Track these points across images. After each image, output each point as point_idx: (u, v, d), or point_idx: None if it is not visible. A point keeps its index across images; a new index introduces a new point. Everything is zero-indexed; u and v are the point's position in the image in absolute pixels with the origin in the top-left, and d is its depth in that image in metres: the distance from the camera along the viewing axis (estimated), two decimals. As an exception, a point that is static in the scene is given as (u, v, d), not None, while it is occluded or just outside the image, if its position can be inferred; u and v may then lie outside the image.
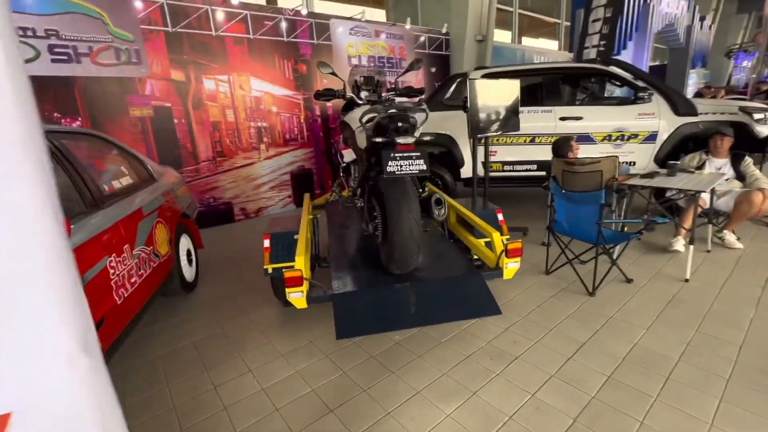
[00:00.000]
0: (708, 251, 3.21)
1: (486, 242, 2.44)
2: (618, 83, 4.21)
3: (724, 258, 3.08)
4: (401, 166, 1.83)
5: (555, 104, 4.21)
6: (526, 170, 4.40)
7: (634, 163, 4.16)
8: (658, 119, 3.99)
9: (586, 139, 4.16)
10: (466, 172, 4.52)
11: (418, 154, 1.86)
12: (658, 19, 8.67)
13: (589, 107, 4.22)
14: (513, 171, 4.44)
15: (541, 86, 4.32)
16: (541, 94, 4.34)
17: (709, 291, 2.57)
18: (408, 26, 6.59)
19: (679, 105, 3.92)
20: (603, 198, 2.40)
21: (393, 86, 2.98)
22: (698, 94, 7.46)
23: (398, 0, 8.82)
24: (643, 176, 3.09)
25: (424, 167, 1.86)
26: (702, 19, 11.54)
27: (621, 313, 2.37)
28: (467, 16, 7.68)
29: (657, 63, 12.50)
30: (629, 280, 2.76)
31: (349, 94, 2.84)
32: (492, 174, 4.49)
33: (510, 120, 3.81)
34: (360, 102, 2.72)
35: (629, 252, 3.25)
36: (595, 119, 4.13)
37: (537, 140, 4.27)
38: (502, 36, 11.77)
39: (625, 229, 3.09)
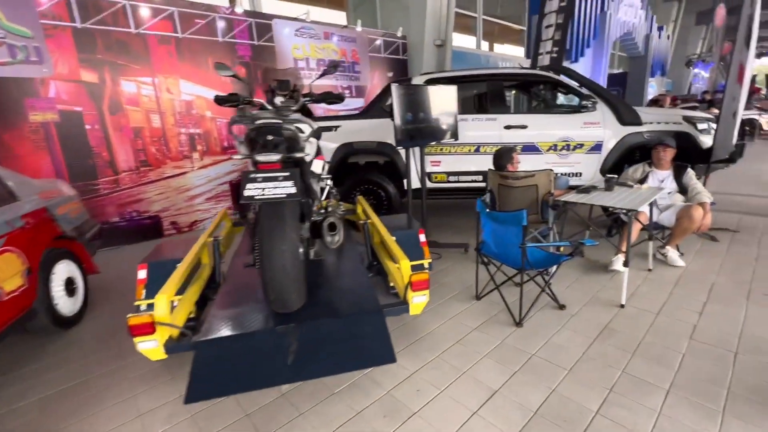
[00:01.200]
0: (649, 270, 3.02)
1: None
2: (563, 91, 4.03)
3: (665, 277, 2.89)
4: (263, 190, 1.50)
5: (500, 112, 3.99)
6: (472, 181, 4.16)
7: (581, 174, 3.98)
8: (603, 128, 3.82)
9: (531, 149, 3.95)
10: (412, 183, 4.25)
11: (287, 174, 1.54)
12: (615, 28, 8.71)
13: (535, 116, 4.02)
14: (459, 182, 4.19)
15: (486, 93, 4.09)
16: (486, 101, 4.11)
17: (644, 319, 2.35)
18: (359, 28, 6.30)
19: (624, 114, 3.76)
20: (524, 219, 2.14)
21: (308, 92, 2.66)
22: (654, 101, 7.49)
23: (358, 2, 8.56)
24: (580, 191, 2.87)
25: (294, 190, 1.53)
26: (660, 29, 11.80)
27: (545, 349, 2.11)
28: (425, 19, 7.48)
29: (620, 71, 12.69)
30: (561, 307, 2.51)
31: (258, 100, 2.50)
32: (437, 185, 4.23)
33: (447, 128, 3.56)
34: (269, 109, 2.38)
35: (568, 272, 3.03)
36: (540, 128, 3.93)
37: (482, 150, 4.04)
38: (467, 41, 11.71)
39: (561, 249, 2.86)
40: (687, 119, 3.75)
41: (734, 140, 3.72)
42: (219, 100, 2.49)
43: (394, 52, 7.15)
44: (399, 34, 6.95)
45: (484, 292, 2.72)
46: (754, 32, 3.42)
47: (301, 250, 1.75)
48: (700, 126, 3.74)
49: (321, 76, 2.51)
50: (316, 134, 2.03)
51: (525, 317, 2.37)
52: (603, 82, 8.47)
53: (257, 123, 1.65)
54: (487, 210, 2.48)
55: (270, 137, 1.61)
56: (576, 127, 3.85)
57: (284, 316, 1.77)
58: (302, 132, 1.87)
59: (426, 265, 2.41)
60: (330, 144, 4.05)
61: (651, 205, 2.86)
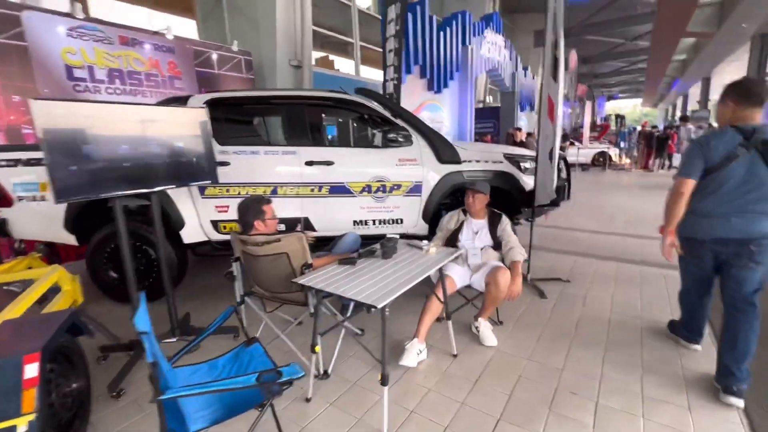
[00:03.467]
0: (454, 355, 2.31)
1: None
2: (378, 120, 3.36)
3: (468, 369, 2.19)
4: None
5: (300, 144, 3.14)
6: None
7: (402, 221, 3.28)
8: (422, 166, 3.20)
9: (341, 190, 3.15)
10: (190, 235, 3.13)
11: None
12: (479, 63, 8.91)
13: (342, 150, 3.25)
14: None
15: (285, 121, 3.22)
16: (284, 129, 3.24)
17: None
18: (171, 35, 5.14)
19: (442, 150, 3.18)
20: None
21: None
22: (509, 135, 7.61)
23: (207, 13, 7.42)
24: (343, 261, 2.04)
25: None
26: (525, 68, 12.78)
27: None
28: (275, 37, 6.64)
29: (498, 104, 13.42)
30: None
31: None
32: (226, 237, 3.18)
33: (199, 166, 2.56)
34: None
35: (335, 366, 2.17)
36: (349, 165, 3.17)
37: (280, 191, 3.12)
38: (345, 66, 11.28)
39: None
40: (509, 157, 3.32)
41: (555, 182, 3.37)
42: None
43: (235, 69, 6.11)
44: (235, 48, 5.95)
45: None
46: (560, 62, 3.12)
47: None
48: (524, 165, 3.34)
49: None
50: None
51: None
52: (470, 114, 8.50)
53: None
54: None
55: None
56: (391, 164, 3.17)
57: None
58: None
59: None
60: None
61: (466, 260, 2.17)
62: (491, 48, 9.47)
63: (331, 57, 11.90)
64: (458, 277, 2.51)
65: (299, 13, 6.78)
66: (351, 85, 9.02)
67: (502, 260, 2.59)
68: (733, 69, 16.35)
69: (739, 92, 1.80)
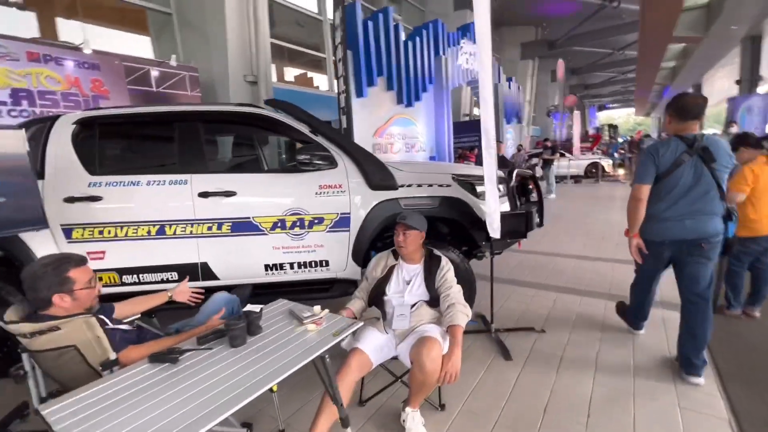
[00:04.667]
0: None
1: None
2: (295, 137, 2.71)
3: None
4: None
5: (193, 171, 2.49)
6: (162, 280, 2.53)
7: (327, 264, 2.61)
8: (349, 194, 2.54)
9: (247, 227, 2.49)
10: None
11: None
12: (455, 75, 8.40)
13: (247, 176, 2.59)
14: (140, 283, 2.52)
15: (175, 143, 2.57)
16: (175, 153, 2.59)
17: None
18: (89, 49, 4.57)
19: (372, 173, 2.53)
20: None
21: None
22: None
23: (159, 30, 6.93)
24: (155, 358, 1.32)
25: None
26: (509, 79, 12.32)
27: None
28: (227, 52, 6.11)
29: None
30: None
31: None
32: (106, 290, 2.50)
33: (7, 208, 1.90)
34: None
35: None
36: (256, 195, 2.51)
37: (168, 230, 2.46)
38: (320, 82, 10.82)
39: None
40: (460, 179, 2.66)
41: (496, 211, 2.61)
42: None
43: (178, 86, 5.53)
44: (173, 62, 5.38)
45: None
46: (483, 29, 2.28)
47: None
48: (480, 188, 2.67)
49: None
50: None
51: None
52: (448, 128, 7.92)
53: None
54: None
55: None
56: (309, 193, 2.51)
57: None
58: None
59: None
60: None
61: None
62: (469, 59, 8.97)
63: (310, 74, 11.48)
64: (376, 350, 1.81)
65: (253, 26, 6.27)
66: (325, 102, 8.48)
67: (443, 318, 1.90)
68: (725, 73, 15.96)
69: (675, 108, 2.02)
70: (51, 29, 5.50)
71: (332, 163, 2.53)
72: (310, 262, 2.58)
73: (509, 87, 12.31)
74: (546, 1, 16.63)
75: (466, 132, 10.74)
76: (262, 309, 1.46)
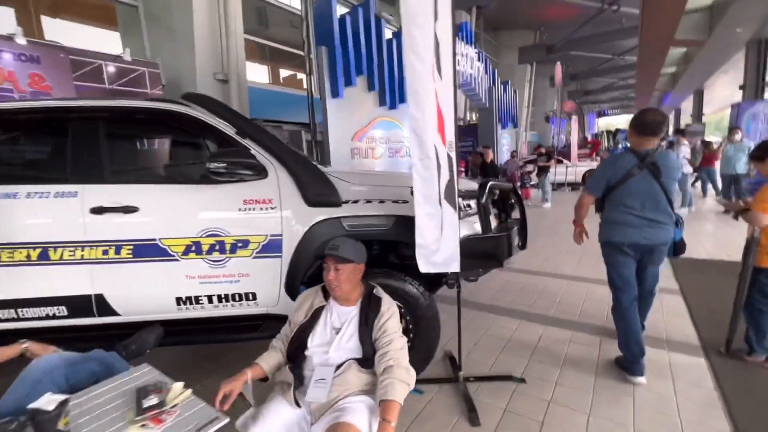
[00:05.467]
0: None
1: None
2: (213, 140, 2.21)
3: None
4: None
5: (86, 181, 2.00)
6: (48, 316, 2.03)
7: (255, 296, 2.11)
8: (281, 211, 2.05)
9: (153, 251, 1.99)
10: None
11: None
12: (446, 75, 7.93)
13: (152, 187, 2.09)
14: (20, 319, 2.02)
15: (64, 146, 2.07)
16: (65, 158, 2.09)
17: None
18: (22, 40, 4.08)
19: (309, 186, 2.03)
20: None
21: None
22: (478, 155, 6.50)
23: (127, 25, 6.48)
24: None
25: None
26: (505, 83, 11.88)
27: None
28: (194, 47, 5.66)
29: (476, 122, 12.46)
30: None
31: None
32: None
33: None
34: None
35: None
36: (163, 210, 2.02)
37: (53, 255, 1.97)
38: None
39: None
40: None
41: (444, 238, 2.11)
42: None
43: (136, 83, 5.06)
44: (127, 57, 4.91)
45: None
46: (445, 46, 1.84)
47: None
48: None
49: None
50: None
51: None
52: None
53: None
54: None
55: None
56: (232, 208, 2.02)
57: None
58: None
59: None
60: None
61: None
62: (461, 60, 8.52)
63: (300, 75, 11.04)
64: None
65: (223, 21, 5.82)
66: (296, 103, 7.99)
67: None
68: (727, 79, 15.53)
69: (634, 124, 2.14)
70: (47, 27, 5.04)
71: (260, 172, 2.04)
72: (234, 295, 2.08)
73: (504, 90, 11.87)
74: (545, 5, 16.28)
75: (460, 137, 10.28)
76: (67, 401, 0.95)
